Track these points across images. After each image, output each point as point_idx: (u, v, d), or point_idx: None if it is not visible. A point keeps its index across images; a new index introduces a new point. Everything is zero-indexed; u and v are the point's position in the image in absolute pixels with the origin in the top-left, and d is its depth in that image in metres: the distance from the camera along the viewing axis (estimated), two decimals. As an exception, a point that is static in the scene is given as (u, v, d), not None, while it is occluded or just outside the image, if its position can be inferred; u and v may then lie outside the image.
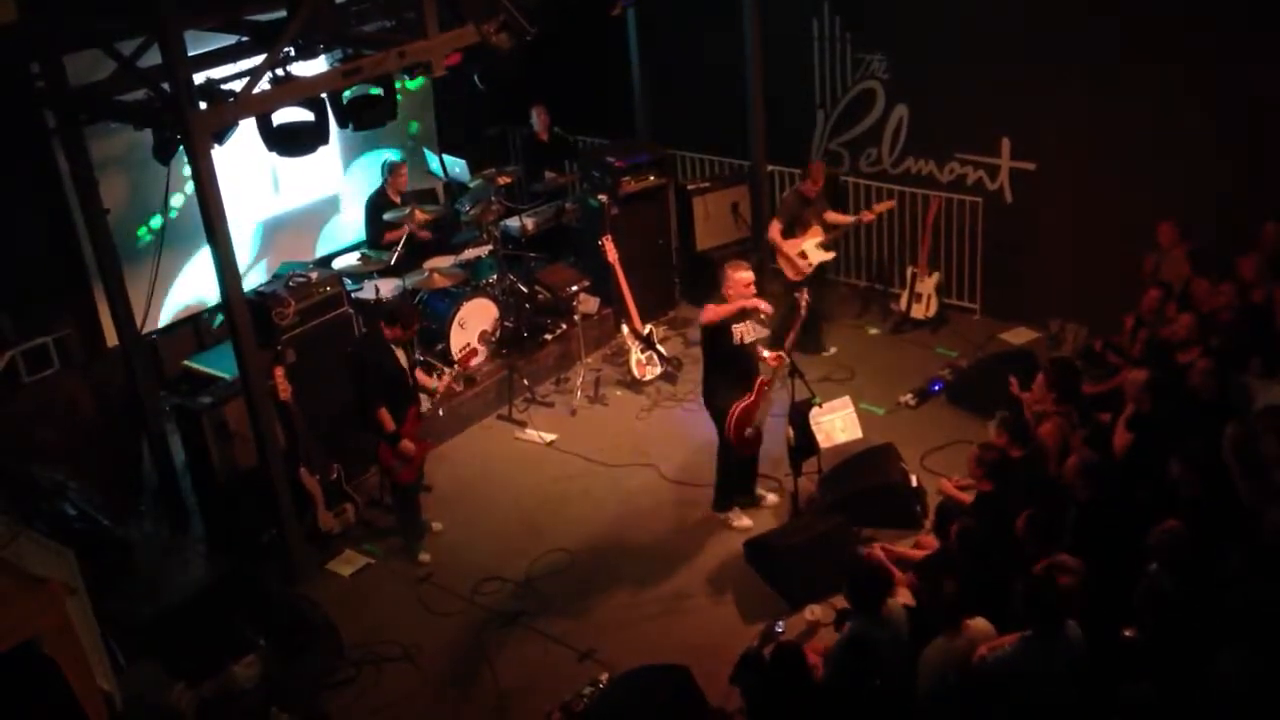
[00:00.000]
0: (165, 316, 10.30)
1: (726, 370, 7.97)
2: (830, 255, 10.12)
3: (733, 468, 8.30)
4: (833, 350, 10.37)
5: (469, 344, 9.16)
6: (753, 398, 7.92)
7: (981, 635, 5.95)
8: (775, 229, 10.02)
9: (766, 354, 7.97)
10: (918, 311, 10.71)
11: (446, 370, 8.91)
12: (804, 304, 8.02)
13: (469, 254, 10.44)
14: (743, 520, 8.38)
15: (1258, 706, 5.28)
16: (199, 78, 7.36)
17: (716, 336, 7.87)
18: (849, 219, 10.31)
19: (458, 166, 11.65)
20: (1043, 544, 6.40)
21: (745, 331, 7.85)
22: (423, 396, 8.55)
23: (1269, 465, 6.54)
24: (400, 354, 8.12)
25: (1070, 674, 5.62)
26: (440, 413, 8.62)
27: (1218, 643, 5.49)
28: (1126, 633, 5.91)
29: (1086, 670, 5.66)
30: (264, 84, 7.48)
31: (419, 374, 8.54)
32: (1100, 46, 9.46)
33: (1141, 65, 9.27)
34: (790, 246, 9.93)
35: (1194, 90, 9.11)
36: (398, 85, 8.31)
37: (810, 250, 9.94)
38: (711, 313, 7.78)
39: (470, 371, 8.99)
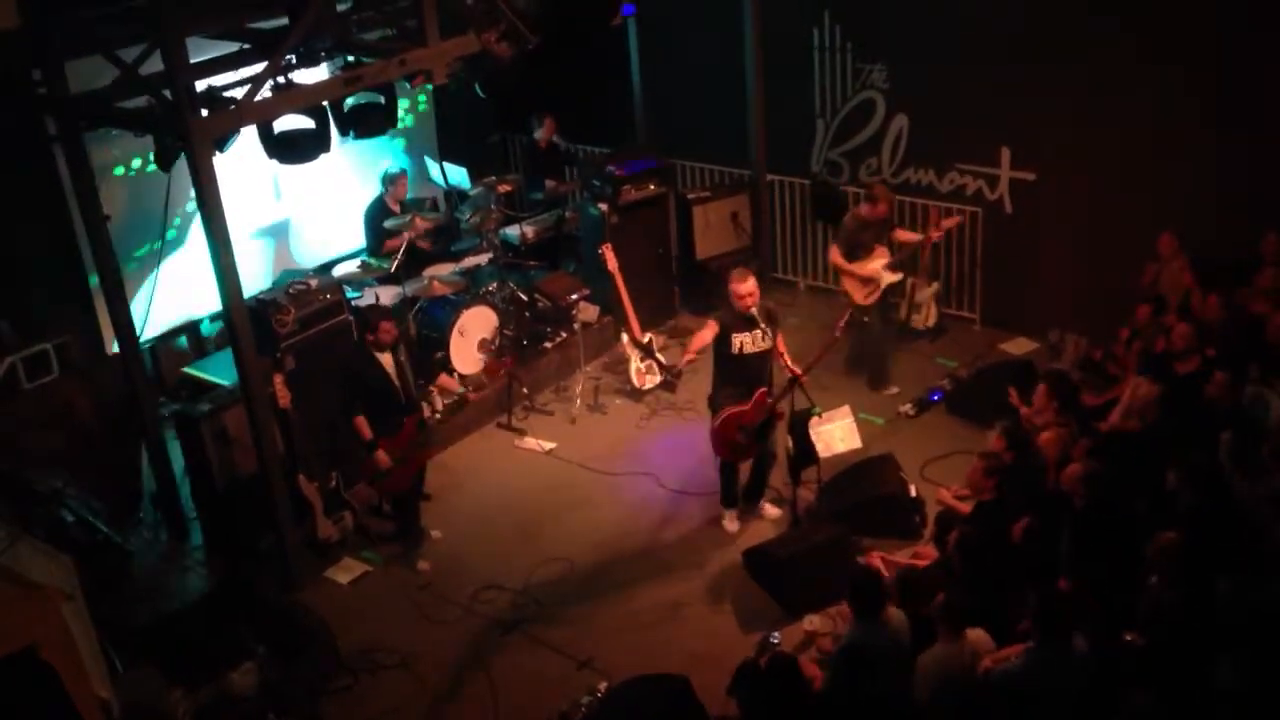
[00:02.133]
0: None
1: (728, 377, 8.01)
2: (897, 276, 9.77)
3: (725, 469, 8.34)
4: (894, 390, 9.94)
5: (488, 356, 9.16)
6: (746, 407, 7.92)
7: (981, 646, 5.94)
8: (835, 254, 9.68)
9: (792, 366, 7.93)
10: (917, 321, 10.69)
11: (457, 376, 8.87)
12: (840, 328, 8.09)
13: (469, 262, 10.44)
14: (732, 525, 8.41)
15: (1258, 713, 5.28)
16: (200, 85, 7.37)
17: (717, 344, 7.90)
18: (917, 237, 10.00)
19: (458, 174, 11.66)
20: (1041, 552, 6.40)
21: (746, 341, 7.86)
22: (424, 405, 8.54)
23: (1268, 468, 6.57)
24: (388, 361, 8.11)
25: (1076, 688, 5.61)
26: (438, 418, 8.63)
27: (1218, 650, 5.50)
28: (1128, 637, 5.90)
29: (1092, 683, 5.65)
30: (265, 91, 7.49)
31: (444, 379, 8.52)
32: (1100, 56, 9.47)
33: (1141, 75, 9.29)
34: (858, 269, 9.61)
35: (1194, 99, 9.12)
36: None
37: (878, 273, 9.64)
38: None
39: (486, 379, 9.01)
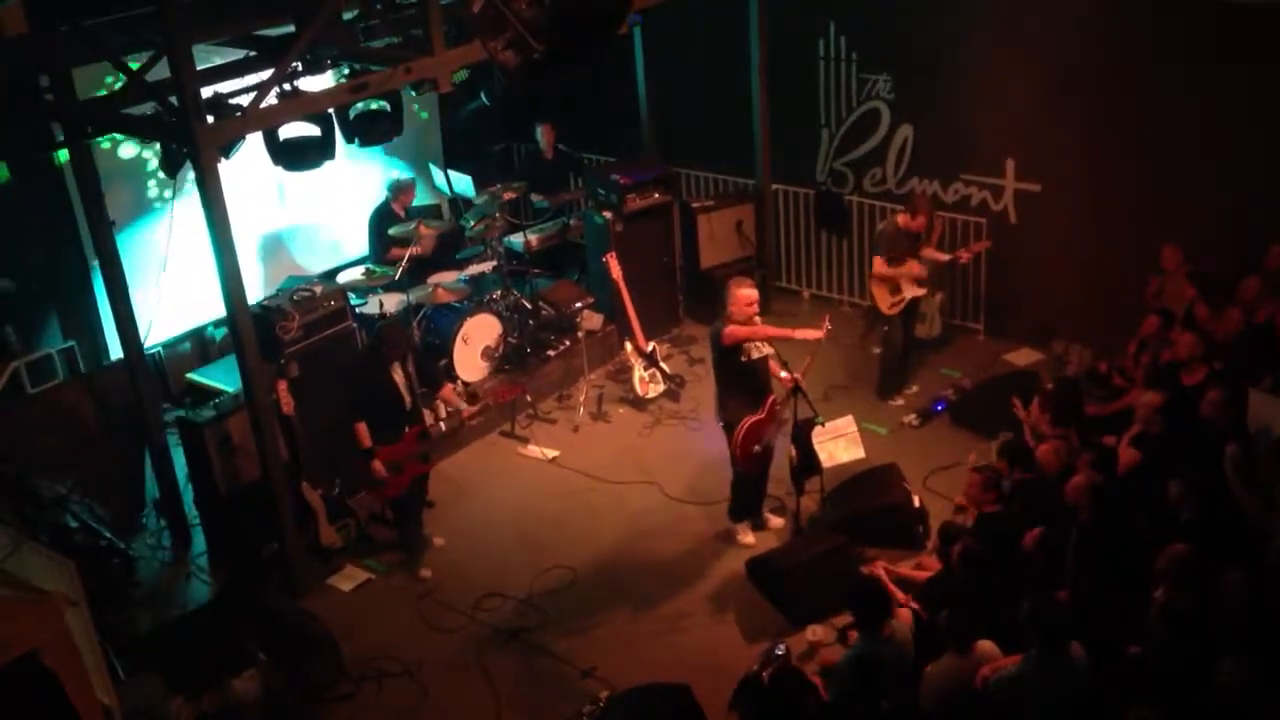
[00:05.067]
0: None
1: (738, 386, 7.94)
2: (923, 291, 9.74)
3: (740, 483, 8.29)
4: (902, 401, 9.94)
5: (495, 373, 9.18)
6: (762, 415, 7.91)
7: (988, 658, 5.94)
8: (880, 263, 9.53)
9: (783, 374, 7.89)
10: (921, 331, 10.68)
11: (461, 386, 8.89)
12: (826, 329, 7.90)
13: (473, 269, 10.46)
14: (748, 537, 8.37)
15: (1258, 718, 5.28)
16: (206, 92, 7.38)
17: (727, 354, 7.86)
18: (945, 257, 9.86)
19: (463, 182, 11.68)
20: (1049, 564, 6.38)
21: (755, 348, 7.85)
22: (426, 412, 8.54)
23: (1271, 481, 6.55)
24: (398, 372, 8.12)
25: (1073, 695, 5.60)
26: (443, 427, 8.63)
27: (1219, 660, 5.49)
28: (1130, 649, 5.89)
29: (1090, 691, 5.64)
30: (271, 98, 7.50)
31: (448, 391, 8.55)
32: (1105, 67, 9.48)
33: (1145, 86, 9.30)
34: (898, 272, 9.51)
35: (1196, 111, 9.12)
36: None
37: (905, 284, 9.59)
38: (731, 336, 7.71)
39: (492, 403, 9.02)
